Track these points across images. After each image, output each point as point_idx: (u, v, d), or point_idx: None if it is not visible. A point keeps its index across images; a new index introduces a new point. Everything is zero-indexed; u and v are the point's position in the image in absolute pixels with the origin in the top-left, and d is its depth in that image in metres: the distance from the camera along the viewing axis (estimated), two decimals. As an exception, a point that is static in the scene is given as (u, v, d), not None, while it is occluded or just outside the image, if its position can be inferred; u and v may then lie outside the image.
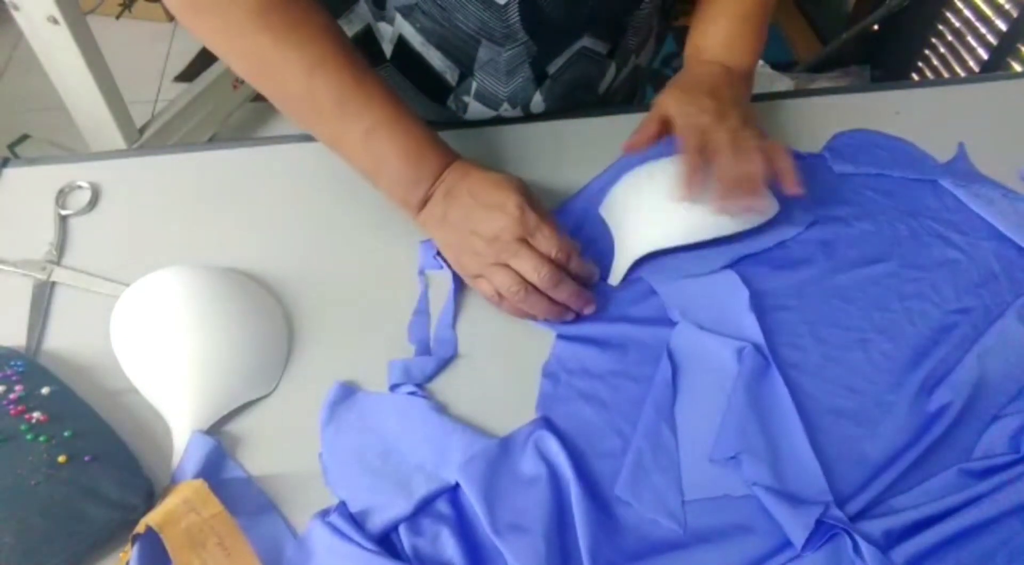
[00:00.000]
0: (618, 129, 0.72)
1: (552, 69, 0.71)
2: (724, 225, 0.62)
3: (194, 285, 0.56)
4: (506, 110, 0.73)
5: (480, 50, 0.67)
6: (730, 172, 0.58)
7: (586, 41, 0.70)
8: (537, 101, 0.73)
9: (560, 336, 0.57)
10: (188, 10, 0.55)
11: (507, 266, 0.54)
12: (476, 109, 0.73)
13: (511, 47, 0.67)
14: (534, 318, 0.57)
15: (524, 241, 0.54)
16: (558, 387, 0.54)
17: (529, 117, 0.75)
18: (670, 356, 0.55)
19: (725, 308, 0.58)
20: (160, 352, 0.53)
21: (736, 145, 0.58)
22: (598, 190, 0.66)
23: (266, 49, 0.55)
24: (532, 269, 0.54)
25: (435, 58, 0.69)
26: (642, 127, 0.66)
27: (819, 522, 0.46)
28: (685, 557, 0.47)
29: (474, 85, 0.71)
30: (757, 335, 0.56)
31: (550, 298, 0.55)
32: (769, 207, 0.64)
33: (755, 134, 0.60)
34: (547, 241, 0.54)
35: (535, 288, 0.54)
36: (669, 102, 0.64)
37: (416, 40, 0.68)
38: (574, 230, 0.64)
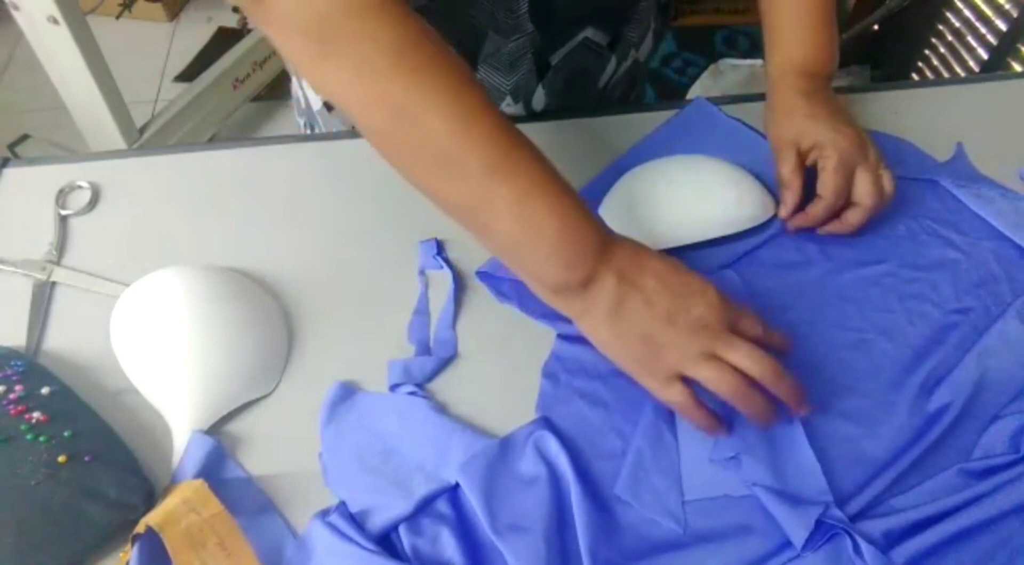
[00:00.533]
0: (619, 129, 0.72)
1: (554, 60, 0.71)
2: (727, 224, 0.62)
3: (194, 285, 0.56)
4: (508, 105, 0.73)
5: (485, 43, 0.67)
6: (859, 222, 0.62)
7: (588, 32, 0.70)
8: (539, 95, 0.73)
9: (560, 336, 0.57)
10: (315, 56, 0.47)
11: (716, 359, 0.47)
12: None
13: (516, 38, 0.66)
14: (712, 431, 0.49)
15: (733, 330, 0.48)
16: (558, 387, 0.54)
17: (531, 116, 0.75)
18: None
19: None
20: (160, 352, 0.53)
21: (879, 193, 0.61)
22: (597, 191, 0.66)
23: (407, 95, 0.46)
24: (754, 360, 0.47)
25: None
26: (786, 166, 0.63)
27: (819, 522, 0.46)
28: (685, 557, 0.47)
29: (477, 79, 0.70)
30: None
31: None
32: (769, 206, 0.64)
33: (886, 170, 0.62)
34: (754, 325, 0.49)
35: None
36: (805, 130, 0.62)
37: None
38: None
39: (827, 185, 0.61)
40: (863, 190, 0.61)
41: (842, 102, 0.66)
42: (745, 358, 0.47)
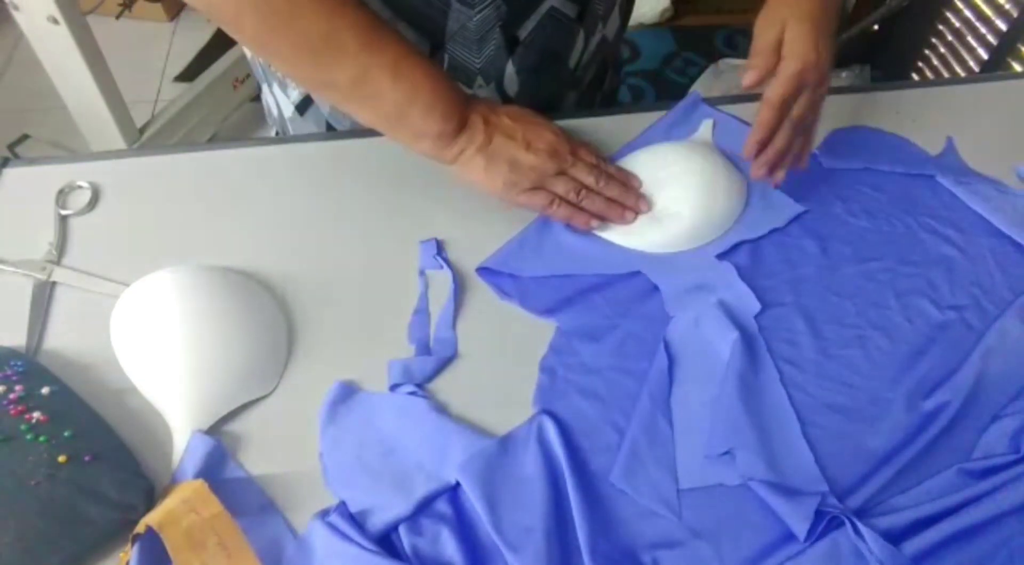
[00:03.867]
0: (619, 129, 0.72)
1: (523, 33, 0.70)
2: (701, 235, 0.63)
3: (194, 285, 0.56)
4: (480, 87, 0.72)
5: (450, 17, 0.66)
6: (781, 146, 0.61)
7: (555, 0, 0.69)
8: (510, 75, 0.72)
9: (559, 330, 0.57)
10: None
11: (564, 175, 0.61)
12: None
13: (480, 8, 0.66)
14: (585, 225, 0.63)
15: (574, 154, 0.62)
16: (555, 381, 0.54)
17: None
18: (666, 347, 0.56)
19: (722, 301, 0.58)
20: (160, 352, 0.53)
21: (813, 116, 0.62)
22: None
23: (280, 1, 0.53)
24: (589, 173, 0.62)
25: (405, 32, 0.68)
26: (760, 57, 0.61)
27: (818, 512, 0.47)
28: (683, 551, 0.47)
29: (447, 58, 0.70)
30: (753, 329, 0.57)
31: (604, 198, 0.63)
32: (737, 205, 0.65)
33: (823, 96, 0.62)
34: (588, 153, 0.63)
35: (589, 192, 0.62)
36: (794, 33, 0.60)
37: (385, 15, 0.66)
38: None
39: (775, 90, 0.59)
40: (800, 116, 0.60)
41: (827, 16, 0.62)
42: (582, 173, 0.62)
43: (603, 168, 0.63)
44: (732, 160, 0.68)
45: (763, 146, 0.61)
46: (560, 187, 0.61)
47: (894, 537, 0.47)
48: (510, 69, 0.72)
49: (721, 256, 0.62)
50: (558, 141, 0.61)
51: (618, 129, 0.72)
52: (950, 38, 1.81)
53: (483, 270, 0.60)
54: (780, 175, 0.62)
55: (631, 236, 0.63)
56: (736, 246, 0.63)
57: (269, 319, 0.57)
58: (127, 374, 0.53)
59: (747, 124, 0.72)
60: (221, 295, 0.56)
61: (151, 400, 0.52)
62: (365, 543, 0.45)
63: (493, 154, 0.59)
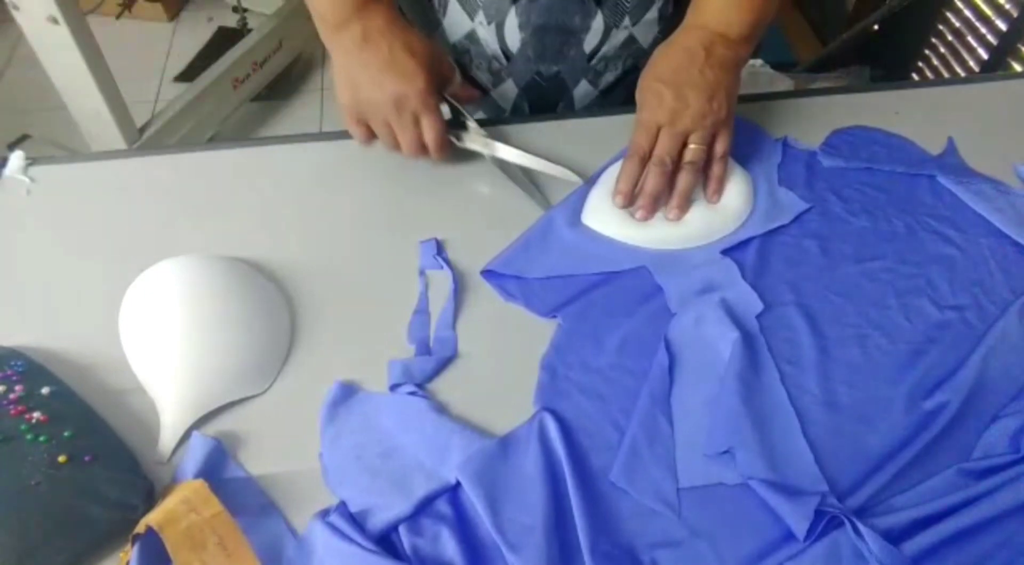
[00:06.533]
0: (622, 128, 0.72)
1: None
2: (707, 234, 0.64)
3: (204, 270, 0.57)
4: (480, 24, 0.71)
5: None
6: (651, 189, 0.62)
7: None
8: (512, 24, 0.71)
9: (560, 328, 0.57)
10: None
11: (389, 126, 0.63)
12: (455, 15, 0.72)
13: None
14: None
15: (415, 117, 0.63)
16: (556, 380, 0.54)
17: (530, 118, 0.75)
18: (667, 346, 0.56)
19: (724, 300, 0.58)
20: (160, 337, 0.53)
21: (675, 156, 0.62)
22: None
23: None
24: (408, 146, 0.64)
25: None
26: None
27: (818, 512, 0.46)
28: (683, 550, 0.47)
29: None
30: (754, 328, 0.57)
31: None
32: (744, 205, 0.65)
33: (703, 138, 0.62)
34: (429, 131, 0.64)
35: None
36: (640, 86, 0.65)
37: None
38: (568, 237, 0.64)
39: (635, 136, 0.63)
40: (656, 157, 0.62)
41: (724, 64, 0.63)
42: (405, 140, 0.64)
43: (431, 145, 0.64)
44: (738, 160, 0.68)
45: (629, 193, 0.63)
46: (382, 129, 0.63)
47: (894, 537, 0.47)
48: (512, 19, 0.71)
49: (725, 253, 0.62)
50: (407, 98, 0.62)
51: (621, 129, 0.72)
52: (950, 38, 1.81)
53: (488, 273, 0.60)
54: (674, 213, 0.63)
55: (639, 233, 0.63)
56: (739, 244, 0.63)
57: (274, 314, 0.57)
58: (131, 363, 0.53)
59: (751, 124, 0.72)
60: (230, 285, 0.57)
61: (146, 384, 0.52)
62: (365, 543, 0.45)
63: (347, 65, 0.63)
